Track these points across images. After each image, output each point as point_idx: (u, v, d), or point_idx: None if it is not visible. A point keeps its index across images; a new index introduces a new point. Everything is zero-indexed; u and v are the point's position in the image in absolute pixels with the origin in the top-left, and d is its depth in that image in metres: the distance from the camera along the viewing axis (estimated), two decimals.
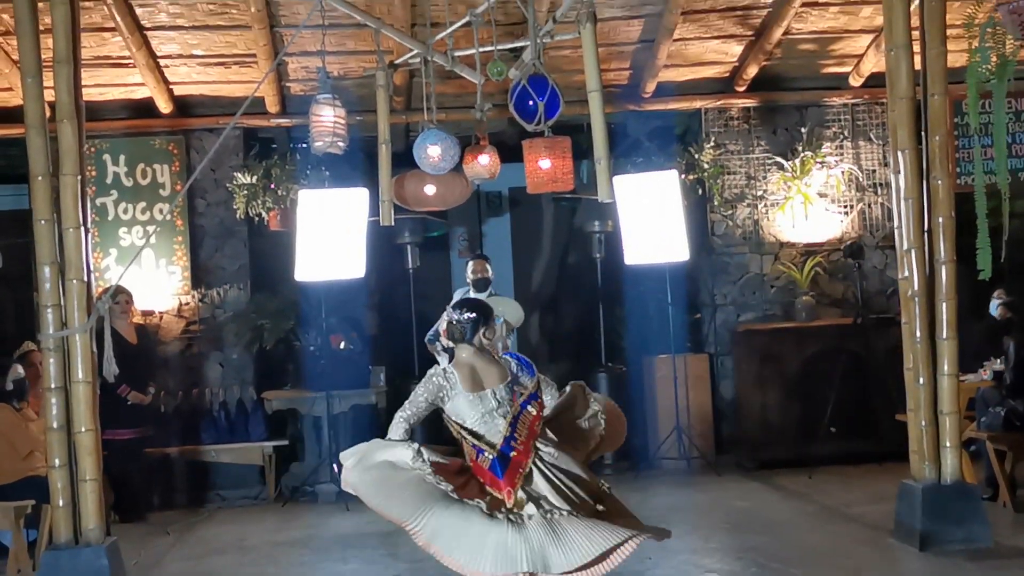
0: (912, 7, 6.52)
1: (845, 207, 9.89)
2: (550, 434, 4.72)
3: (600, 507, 4.50)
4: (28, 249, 6.89)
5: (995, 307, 7.95)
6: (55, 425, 6.11)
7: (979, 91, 6.11)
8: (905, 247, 6.55)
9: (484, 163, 6.57)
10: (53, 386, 6.12)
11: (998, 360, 7.64)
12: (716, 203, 9.83)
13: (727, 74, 9.77)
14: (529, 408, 4.66)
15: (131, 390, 8.34)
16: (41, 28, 6.29)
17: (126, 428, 8.24)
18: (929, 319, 6.44)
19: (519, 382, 4.74)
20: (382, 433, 4.72)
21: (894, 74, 6.53)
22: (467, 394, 4.63)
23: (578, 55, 5.86)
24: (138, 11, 8.16)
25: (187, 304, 9.55)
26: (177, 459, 9.14)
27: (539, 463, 4.57)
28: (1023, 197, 9.14)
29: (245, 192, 9.28)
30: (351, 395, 9.08)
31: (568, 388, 5.04)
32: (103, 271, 9.31)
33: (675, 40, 8.93)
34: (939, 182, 6.44)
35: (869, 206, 9.94)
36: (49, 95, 6.21)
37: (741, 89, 9.76)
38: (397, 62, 6.86)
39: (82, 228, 6.20)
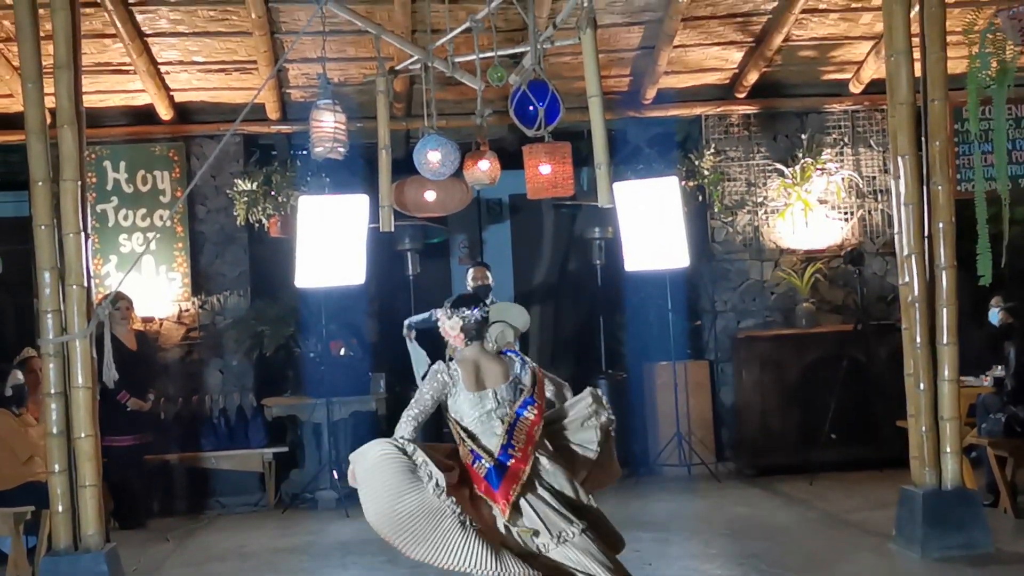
0: (912, 13, 6.51)
1: (845, 213, 9.89)
2: (549, 445, 4.69)
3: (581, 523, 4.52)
4: (28, 255, 6.88)
5: (994, 315, 7.94)
6: (55, 431, 6.11)
7: (979, 97, 6.13)
8: (905, 253, 6.53)
9: (484, 168, 6.58)
10: (53, 391, 6.12)
11: (999, 367, 7.63)
12: (716, 209, 9.82)
13: (727, 81, 9.78)
14: (526, 414, 4.63)
15: (131, 396, 8.36)
16: (42, 34, 6.29)
17: (126, 434, 8.27)
18: (929, 325, 6.43)
19: (522, 381, 4.74)
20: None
21: (894, 80, 6.52)
22: (468, 393, 4.64)
23: (578, 61, 5.88)
24: (139, 17, 8.17)
25: (187, 310, 9.55)
26: (177, 465, 9.12)
27: (536, 481, 4.56)
28: (1023, 203, 9.14)
29: (245, 198, 9.28)
30: (351, 402, 9.06)
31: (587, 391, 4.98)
32: (103, 277, 9.30)
33: (675, 47, 8.94)
34: (939, 188, 6.43)
35: (869, 212, 9.93)
36: (50, 101, 6.21)
37: (741, 96, 9.76)
38: (397, 68, 6.88)
39: (82, 234, 6.20)
